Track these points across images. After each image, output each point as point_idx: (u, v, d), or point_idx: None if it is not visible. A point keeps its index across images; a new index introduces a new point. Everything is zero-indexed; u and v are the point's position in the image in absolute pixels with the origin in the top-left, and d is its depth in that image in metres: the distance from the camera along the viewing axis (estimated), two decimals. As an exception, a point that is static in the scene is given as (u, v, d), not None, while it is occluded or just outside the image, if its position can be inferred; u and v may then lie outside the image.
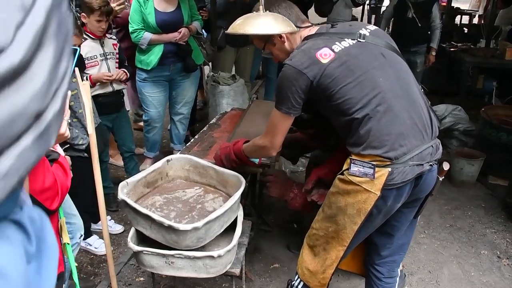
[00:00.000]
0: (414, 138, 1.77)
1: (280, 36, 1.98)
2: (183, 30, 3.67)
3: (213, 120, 3.24)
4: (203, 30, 4.29)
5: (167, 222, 1.76)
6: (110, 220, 3.32)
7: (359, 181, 1.77)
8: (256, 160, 2.31)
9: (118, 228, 3.29)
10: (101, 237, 2.77)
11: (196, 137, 2.88)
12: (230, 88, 4.29)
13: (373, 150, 1.74)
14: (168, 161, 2.27)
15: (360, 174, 1.77)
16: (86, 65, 3.15)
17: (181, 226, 1.75)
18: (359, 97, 1.76)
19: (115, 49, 3.34)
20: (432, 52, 5.18)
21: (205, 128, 3.04)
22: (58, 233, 1.36)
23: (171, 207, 2.09)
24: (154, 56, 3.68)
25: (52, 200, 1.18)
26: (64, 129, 1.14)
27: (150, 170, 2.18)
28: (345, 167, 1.83)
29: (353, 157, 1.79)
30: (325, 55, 1.79)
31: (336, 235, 1.91)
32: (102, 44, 3.24)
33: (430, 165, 1.81)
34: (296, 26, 1.99)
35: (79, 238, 2.40)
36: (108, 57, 3.27)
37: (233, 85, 4.33)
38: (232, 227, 2.01)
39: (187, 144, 2.75)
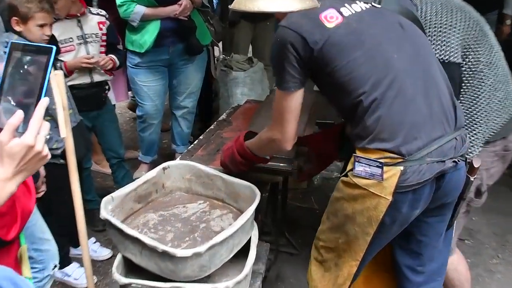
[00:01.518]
0: (433, 129, 1.80)
1: None
2: (185, 1, 3.70)
3: (223, 116, 3.26)
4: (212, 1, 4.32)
5: (161, 247, 1.77)
6: (95, 242, 3.37)
7: (365, 184, 1.81)
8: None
9: (105, 253, 3.34)
10: (83, 264, 2.80)
11: (200, 137, 2.90)
12: (246, 75, 4.31)
13: (381, 144, 1.77)
14: (164, 169, 2.28)
15: (367, 175, 1.80)
16: (60, 50, 3.20)
17: (179, 252, 1.75)
18: (367, 76, 1.78)
19: (101, 29, 3.36)
20: (506, 21, 5.08)
21: (212, 126, 3.06)
22: (17, 265, 1.37)
23: (168, 227, 2.10)
24: (148, 36, 3.72)
25: (8, 228, 1.19)
26: (41, 146, 1.12)
27: (141, 181, 2.19)
28: (349, 167, 1.87)
29: (358, 153, 1.82)
30: (331, 18, 1.80)
31: (348, 247, 1.95)
32: (79, 24, 3.27)
33: (454, 161, 1.82)
34: None
35: (53, 269, 2.43)
36: (88, 40, 3.31)
37: (249, 70, 4.34)
38: (244, 251, 2.00)
39: (189, 147, 2.78)
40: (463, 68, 2.19)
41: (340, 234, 1.95)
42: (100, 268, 3.25)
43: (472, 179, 1.95)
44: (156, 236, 2.03)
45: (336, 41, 1.78)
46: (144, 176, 2.23)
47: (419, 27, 1.96)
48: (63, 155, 2.59)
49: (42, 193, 2.19)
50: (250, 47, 4.99)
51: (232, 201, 2.23)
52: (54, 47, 1.14)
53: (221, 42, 4.76)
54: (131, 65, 3.91)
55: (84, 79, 3.30)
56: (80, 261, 3.09)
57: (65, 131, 1.93)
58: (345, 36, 1.78)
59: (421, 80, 1.82)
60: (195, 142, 2.83)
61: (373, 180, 1.78)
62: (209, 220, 2.15)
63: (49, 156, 1.16)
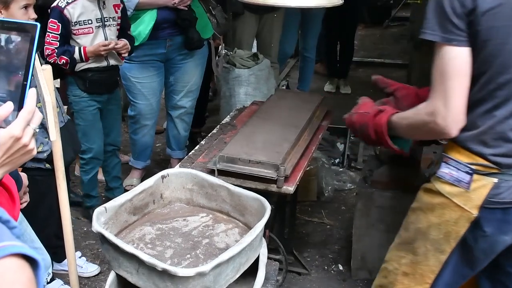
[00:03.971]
0: None
1: None
2: (185, -11, 3.71)
3: (226, 119, 3.26)
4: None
5: (161, 265, 1.77)
6: (80, 257, 3.36)
7: (449, 192, 1.79)
8: (407, 145, 2.12)
9: (92, 269, 3.33)
10: (67, 281, 2.79)
11: (202, 142, 2.90)
12: (250, 72, 4.30)
13: (479, 147, 1.74)
14: (163, 177, 2.28)
15: (451, 179, 1.77)
16: (77, 31, 3.27)
17: (181, 271, 1.75)
18: (504, 66, 1.67)
19: (117, 12, 3.44)
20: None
21: (214, 131, 3.07)
22: None
23: (167, 242, 2.10)
24: (143, 27, 3.73)
25: None
26: (28, 139, 1.11)
27: (137, 190, 2.19)
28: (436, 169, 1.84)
29: (448, 153, 1.79)
30: None
31: (411, 270, 1.92)
32: (101, 5, 3.33)
33: None
34: None
35: (46, 277, 2.42)
36: (107, 23, 3.38)
37: (254, 67, 4.34)
38: (251, 271, 2.01)
39: (190, 153, 2.78)
40: None
41: (406, 253, 1.92)
42: (86, 286, 3.24)
43: None
44: (153, 252, 2.03)
45: (503, 14, 1.64)
46: (141, 185, 2.23)
47: None
48: (49, 160, 2.60)
49: (25, 204, 2.18)
50: (256, 41, 4.98)
51: (238, 214, 2.23)
52: (39, 24, 1.12)
53: (223, 36, 4.75)
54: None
55: (101, 63, 3.40)
56: (64, 277, 3.08)
57: (55, 134, 1.93)
58: (498, 9, 1.64)
59: None
60: (196, 148, 2.83)
61: (458, 187, 1.75)
62: (213, 236, 2.15)
63: (35, 152, 1.16)
